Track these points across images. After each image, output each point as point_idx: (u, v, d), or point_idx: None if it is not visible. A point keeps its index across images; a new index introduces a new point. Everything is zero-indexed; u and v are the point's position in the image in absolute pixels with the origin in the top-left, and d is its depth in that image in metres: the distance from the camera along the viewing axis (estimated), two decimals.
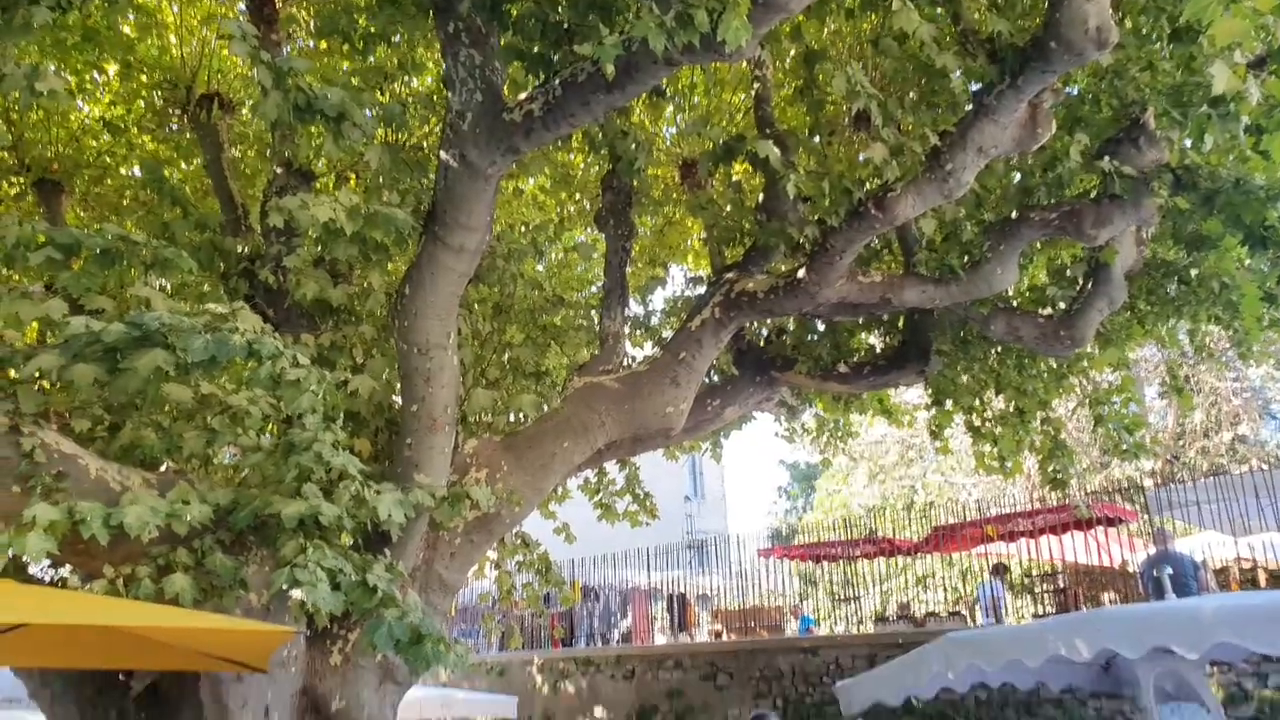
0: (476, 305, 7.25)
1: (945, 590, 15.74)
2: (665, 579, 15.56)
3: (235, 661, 4.80)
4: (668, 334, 8.78)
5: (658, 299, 9.14)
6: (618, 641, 15.13)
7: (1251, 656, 6.91)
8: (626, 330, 7.67)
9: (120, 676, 5.91)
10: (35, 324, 4.59)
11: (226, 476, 5.38)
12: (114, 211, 8.31)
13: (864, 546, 13.45)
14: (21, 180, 7.58)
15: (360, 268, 5.83)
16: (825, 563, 15.09)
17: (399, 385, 6.17)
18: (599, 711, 11.31)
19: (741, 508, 67.94)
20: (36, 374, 4.11)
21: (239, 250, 6.61)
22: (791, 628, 13.84)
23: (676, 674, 10.73)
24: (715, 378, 8.19)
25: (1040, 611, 10.80)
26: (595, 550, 13.88)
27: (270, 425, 5.03)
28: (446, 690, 11.33)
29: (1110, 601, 10.78)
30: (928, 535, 12.94)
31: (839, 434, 9.81)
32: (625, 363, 7.58)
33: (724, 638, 12.67)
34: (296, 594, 4.34)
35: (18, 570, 4.77)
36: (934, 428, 8.78)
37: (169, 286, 4.78)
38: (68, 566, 5.10)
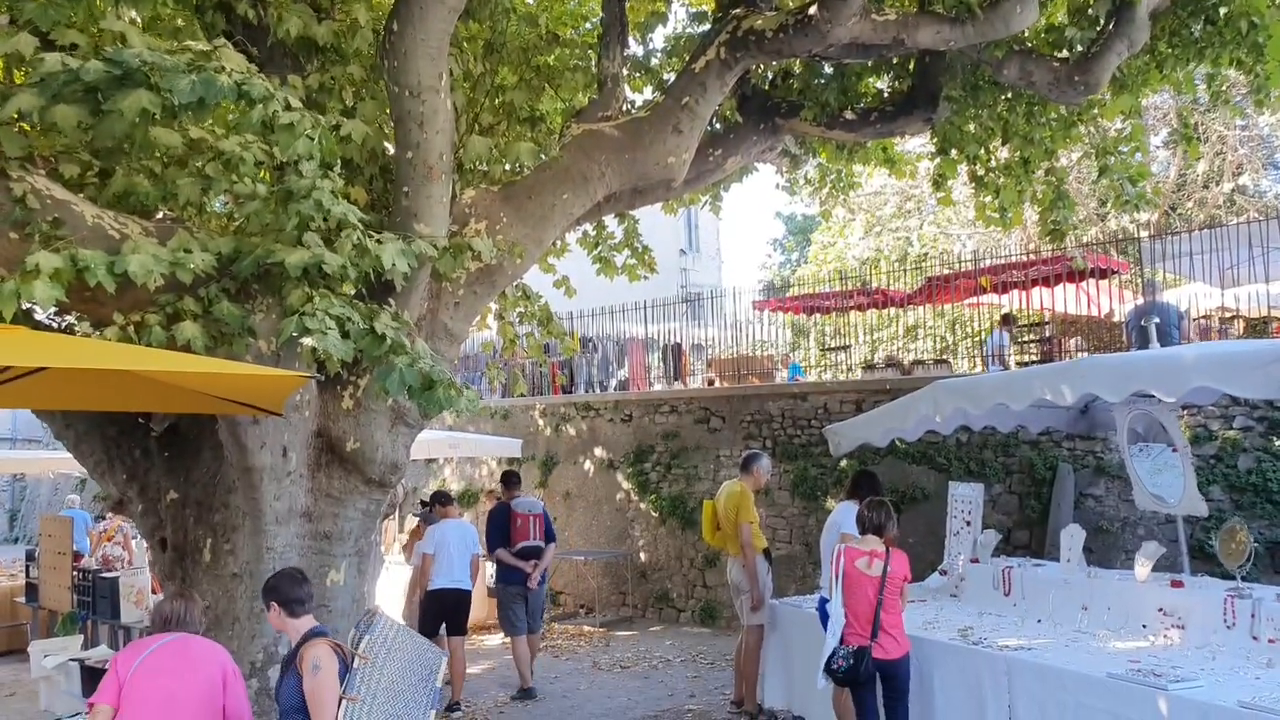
0: (466, 44, 6.86)
1: (934, 340, 16.21)
2: (661, 331, 15.92)
3: (251, 406, 4.96)
4: (669, 77, 8.39)
5: (658, 37, 8.67)
6: (615, 389, 15.73)
7: (1221, 400, 7.22)
8: (625, 72, 7.32)
9: (140, 419, 6.16)
10: (1, 61, 4.32)
11: (222, 225, 5.30)
12: None
13: (857, 298, 13.66)
14: None
15: (344, 2, 5.44)
16: (817, 314, 15.40)
17: (392, 131, 5.97)
18: (599, 451, 11.95)
19: (736, 262, 68.44)
20: (15, 115, 3.91)
21: None
22: (781, 375, 14.34)
23: (672, 418, 11.24)
24: (718, 126, 7.93)
25: (1026, 360, 11.17)
26: (593, 303, 14.08)
27: (264, 173, 4.88)
28: (454, 433, 11.89)
29: (1095, 350, 11.12)
30: (920, 286, 13.11)
31: (840, 185, 9.66)
32: (625, 108, 7.29)
33: (717, 385, 13.16)
34: (307, 341, 4.41)
35: (26, 318, 4.82)
36: (937, 177, 8.64)
37: (140, 21, 4.43)
38: (73, 316, 5.16)
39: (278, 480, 5.58)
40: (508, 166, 7.14)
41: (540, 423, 12.93)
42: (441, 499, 8.09)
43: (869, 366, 13.66)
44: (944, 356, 13.17)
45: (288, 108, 3.98)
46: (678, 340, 16.46)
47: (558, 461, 12.54)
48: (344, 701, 3.17)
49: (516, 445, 11.76)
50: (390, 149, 6.22)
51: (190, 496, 6.01)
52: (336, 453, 5.88)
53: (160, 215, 5.02)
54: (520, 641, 7.70)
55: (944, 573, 6.90)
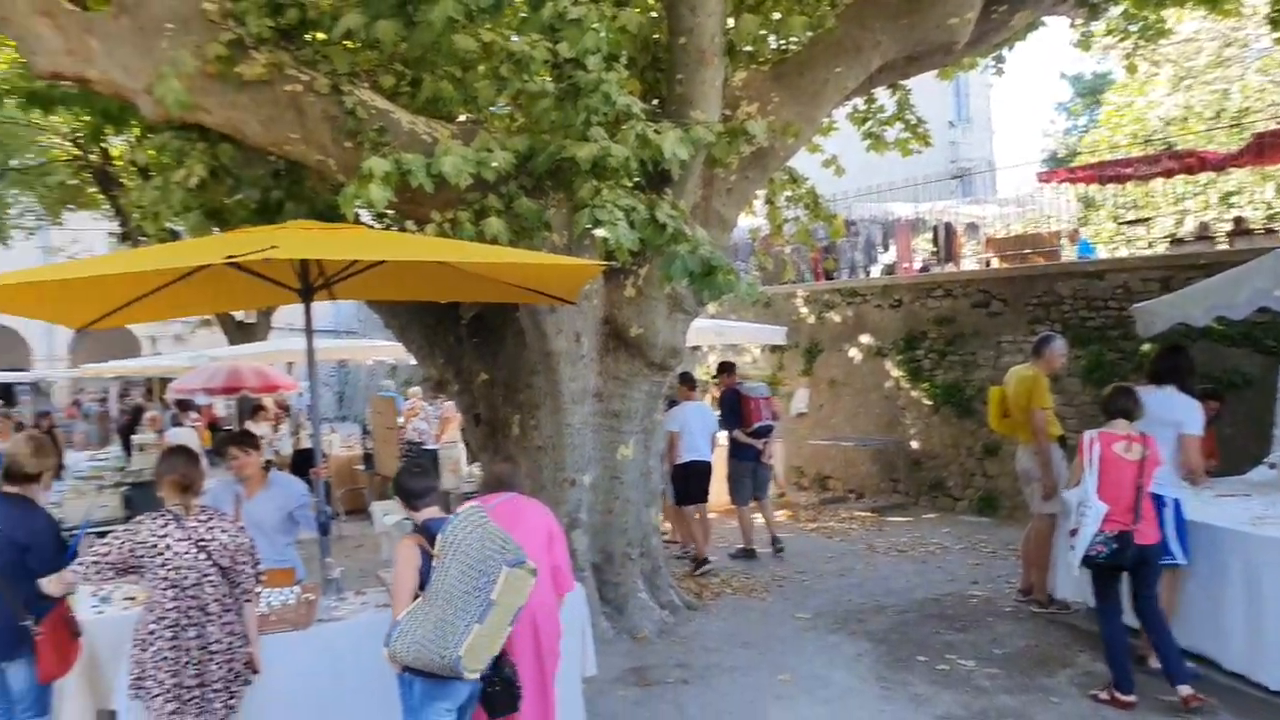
0: None
1: (1262, 207, 14.15)
2: (929, 210, 15.11)
3: (549, 295, 5.34)
4: None
5: None
6: (881, 273, 15.25)
7: None
8: None
9: (453, 309, 6.83)
10: None
11: (507, 126, 5.62)
12: None
13: (1164, 163, 12.14)
14: None
15: None
16: (1111, 184, 13.91)
17: (663, 19, 5.99)
18: (865, 338, 11.73)
19: (1011, 131, 62.78)
20: (344, 34, 4.34)
21: None
22: (1069, 253, 13.22)
23: (946, 302, 10.75)
24: None
25: None
26: (854, 184, 13.62)
27: (547, 70, 5.10)
28: (719, 321, 12.13)
29: None
30: (1245, 145, 11.42)
31: (1147, 33, 8.53)
32: None
33: (995, 265, 12.37)
34: (599, 232, 4.65)
35: (355, 220, 5.45)
36: (1275, 13, 7.40)
37: None
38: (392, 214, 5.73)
39: (572, 363, 6.03)
40: (777, 44, 6.97)
41: (803, 310, 12.85)
42: (687, 380, 8.47)
43: (1175, 240, 12.23)
44: (1274, 225, 11.49)
45: (575, 3, 4.10)
46: (949, 219, 15.57)
47: (822, 349, 12.46)
48: (417, 598, 3.34)
49: (781, 332, 11.79)
50: (660, 38, 6.26)
51: (498, 378, 6.65)
52: (622, 338, 6.24)
53: (462, 118, 5.41)
54: (745, 510, 8.40)
55: (1273, 466, 6.22)
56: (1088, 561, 4.59)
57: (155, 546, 3.58)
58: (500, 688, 3.50)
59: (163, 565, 3.58)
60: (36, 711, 3.85)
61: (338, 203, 5.55)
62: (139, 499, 8.21)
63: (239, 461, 4.58)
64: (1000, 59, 8.96)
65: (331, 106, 4.71)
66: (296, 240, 3.96)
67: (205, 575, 3.63)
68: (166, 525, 3.63)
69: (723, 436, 8.79)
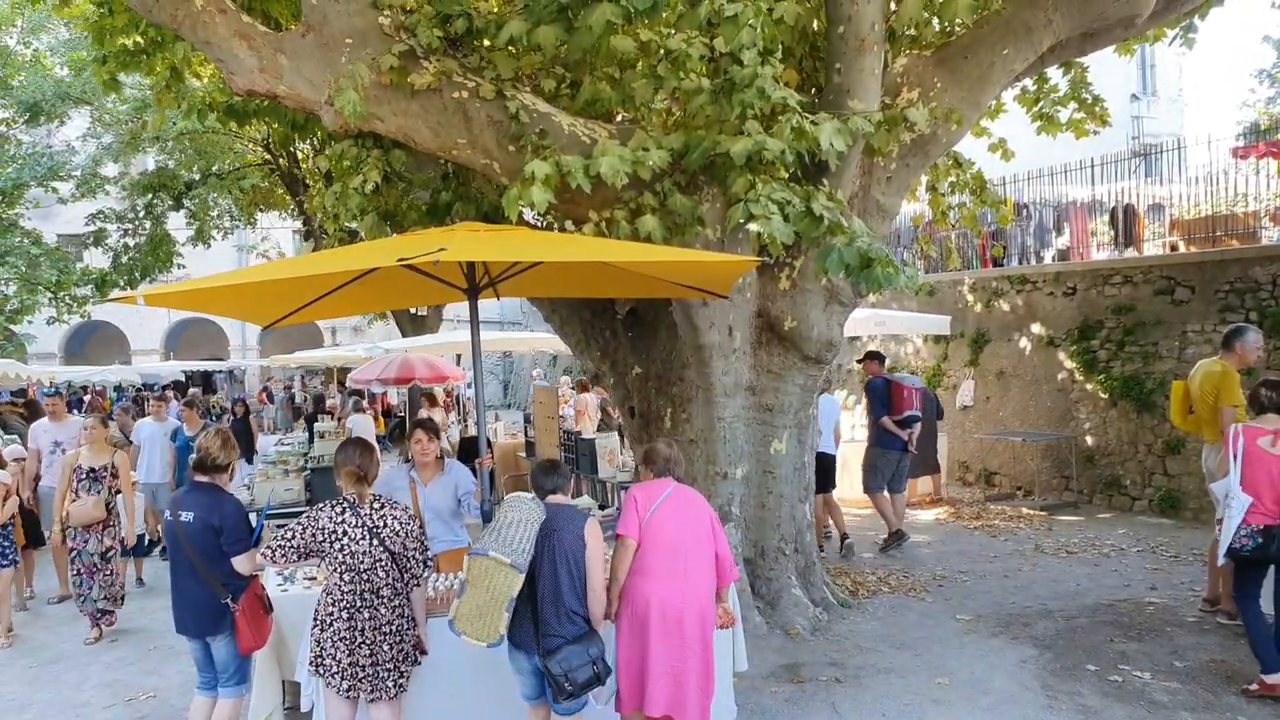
0: None
1: None
2: (1109, 191, 14.14)
3: (702, 290, 5.38)
4: None
5: None
6: (1054, 258, 14.44)
7: None
8: None
9: (608, 304, 6.98)
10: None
11: (663, 121, 5.68)
12: None
13: None
14: None
15: None
16: None
17: (819, 7, 5.89)
18: (1036, 328, 11.14)
19: (1203, 104, 57.84)
20: (508, 40, 4.51)
21: None
22: (1270, 235, 12.09)
23: (1125, 289, 10.06)
24: None
25: None
26: (1026, 165, 12.92)
27: (703, 66, 5.13)
28: (878, 310, 11.83)
29: None
30: None
31: None
32: None
33: (1181, 250, 11.47)
34: (753, 227, 4.64)
35: (518, 219, 5.66)
36: None
37: None
38: (551, 215, 5.92)
39: (725, 356, 6.05)
40: (941, 27, 6.71)
41: (969, 298, 12.34)
42: None
43: None
44: None
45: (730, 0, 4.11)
46: (1129, 201, 14.52)
47: (989, 339, 11.94)
48: None
49: (944, 322, 11.38)
50: (818, 26, 6.16)
51: (651, 371, 6.76)
52: (775, 331, 6.20)
53: (619, 118, 5.51)
54: (880, 496, 8.39)
55: None
56: (1232, 553, 4.70)
57: (334, 533, 3.87)
58: (591, 668, 3.69)
59: (340, 550, 3.86)
60: (238, 680, 4.25)
61: (501, 203, 5.80)
62: (319, 484, 8.85)
63: (422, 446, 4.85)
64: (1190, 29, 8.28)
65: (496, 111, 4.91)
66: (463, 243, 4.16)
67: (378, 560, 3.88)
68: (344, 513, 3.91)
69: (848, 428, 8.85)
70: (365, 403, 15.44)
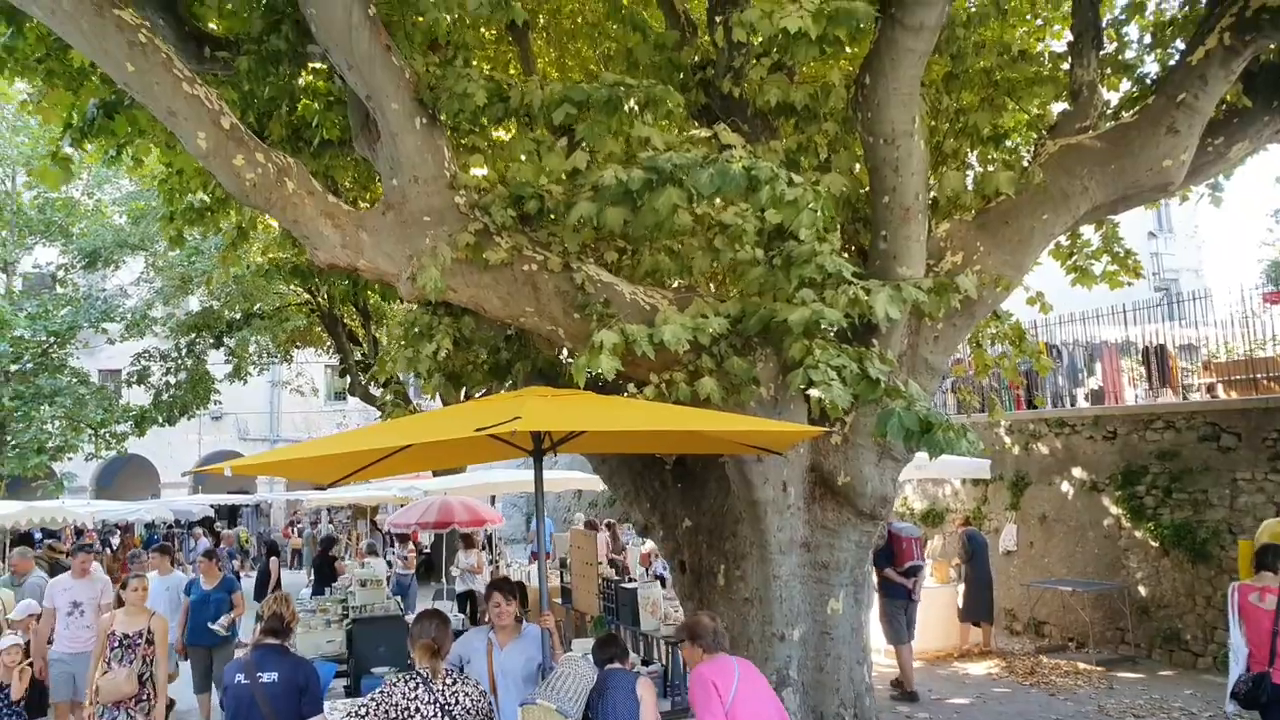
0: (926, 81, 6.87)
1: None
2: (1140, 333, 14.30)
3: (757, 448, 5.47)
4: (1148, 68, 7.62)
5: (1133, 27, 7.87)
6: (1086, 399, 14.46)
7: None
8: (1101, 75, 6.79)
9: (657, 455, 7.07)
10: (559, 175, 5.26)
11: (722, 287, 5.90)
12: (570, 40, 9.05)
13: None
14: (495, 28, 8.45)
15: (816, 66, 5.79)
16: None
17: (866, 179, 6.19)
18: (1078, 471, 11.08)
19: (1219, 240, 58.68)
20: (577, 220, 4.78)
21: (692, 61, 6.89)
22: None
23: (1168, 435, 10.04)
24: (1218, 111, 7.01)
25: None
26: (1055, 306, 13.14)
27: (754, 239, 5.37)
28: (919, 453, 11.82)
29: None
30: None
31: None
32: (1104, 111, 6.78)
33: (1222, 394, 11.48)
34: (814, 393, 4.76)
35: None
36: None
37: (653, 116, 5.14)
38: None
39: (779, 513, 6.06)
40: (970, 185, 7.01)
41: (1006, 440, 12.32)
42: None
43: None
44: None
45: (790, 184, 4.35)
46: (1160, 341, 14.65)
47: (1029, 482, 11.85)
48: None
49: (985, 465, 11.34)
50: (864, 193, 6.45)
51: (702, 524, 6.76)
52: (829, 486, 6.23)
53: (675, 284, 5.74)
54: (905, 649, 8.47)
55: None
56: (1234, 696, 5.31)
57: (407, 709, 3.86)
58: None
59: None
60: None
61: (558, 360, 5.96)
62: (361, 635, 8.76)
63: (500, 609, 4.84)
64: (1217, 188, 8.58)
65: (563, 282, 5.14)
66: (536, 411, 4.31)
67: None
68: (416, 689, 3.91)
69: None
70: (403, 545, 15.38)
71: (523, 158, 5.45)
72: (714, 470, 6.64)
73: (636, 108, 4.93)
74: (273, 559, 13.03)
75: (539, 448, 4.96)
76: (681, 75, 6.90)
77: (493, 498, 13.27)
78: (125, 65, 4.44)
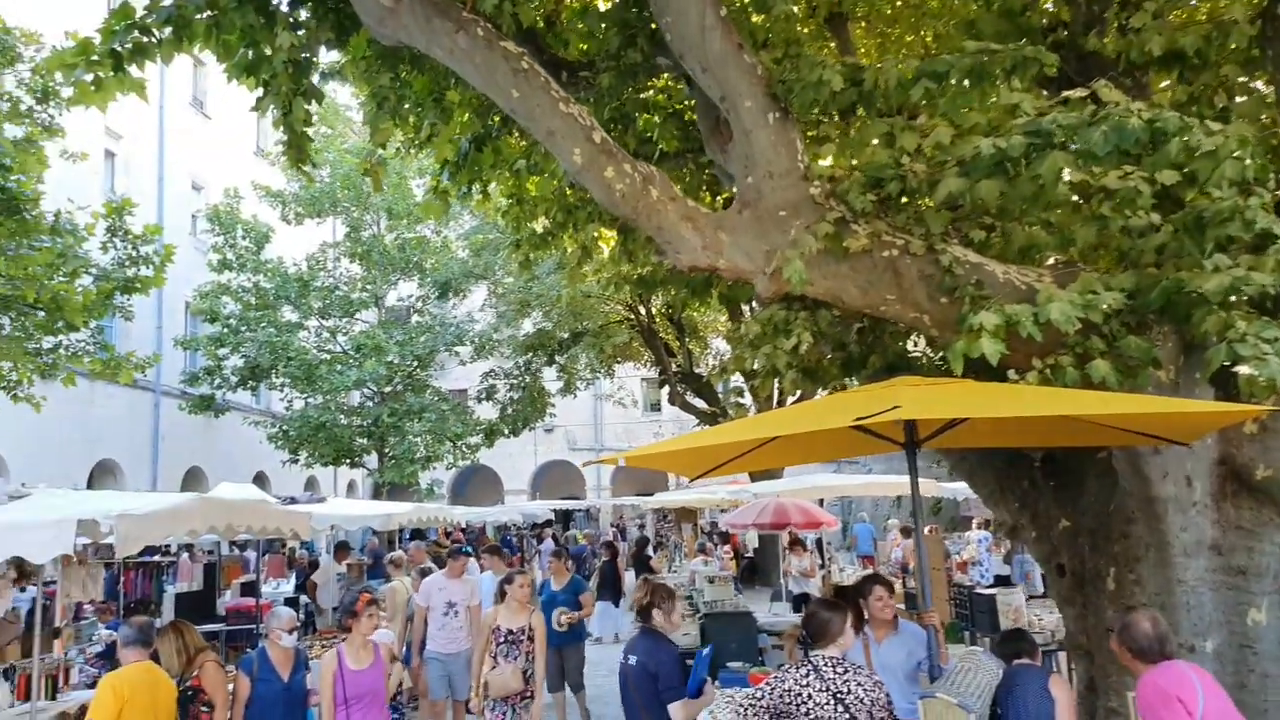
0: None
1: None
2: None
3: (1157, 437, 4.87)
4: None
5: None
6: None
7: None
8: None
9: (1024, 452, 6.56)
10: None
11: (1108, 261, 5.35)
12: (891, 26, 8.75)
13: None
14: (814, 20, 8.34)
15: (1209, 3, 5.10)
16: None
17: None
18: None
19: None
20: (944, 198, 4.54)
21: (1040, 25, 6.40)
22: None
23: None
24: None
25: None
26: None
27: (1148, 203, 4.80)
28: None
29: None
30: None
31: None
32: None
33: None
34: (1243, 369, 4.15)
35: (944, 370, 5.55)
36: None
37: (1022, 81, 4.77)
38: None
39: (1183, 511, 5.37)
40: None
41: None
42: None
43: None
44: None
45: (1209, 133, 3.83)
46: None
47: None
48: None
49: None
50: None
51: (1082, 525, 6.16)
52: (1243, 481, 5.42)
53: (1051, 261, 5.30)
54: None
55: None
56: None
57: (799, 695, 3.83)
58: None
59: (806, 715, 3.81)
60: None
61: (907, 353, 5.72)
62: (714, 630, 8.97)
63: (883, 602, 4.75)
64: None
65: (927, 266, 4.91)
66: (914, 399, 4.13)
67: None
68: (808, 676, 3.87)
69: None
70: (722, 548, 15.73)
71: (874, 142, 5.31)
72: (1092, 466, 6.03)
73: (1002, 75, 4.61)
74: (616, 560, 13.86)
75: (911, 440, 4.77)
76: (1026, 40, 6.41)
77: (821, 501, 13.12)
78: (511, 92, 4.88)
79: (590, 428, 37.52)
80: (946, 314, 4.90)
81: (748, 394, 16.53)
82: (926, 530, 12.27)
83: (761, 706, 3.87)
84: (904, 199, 4.98)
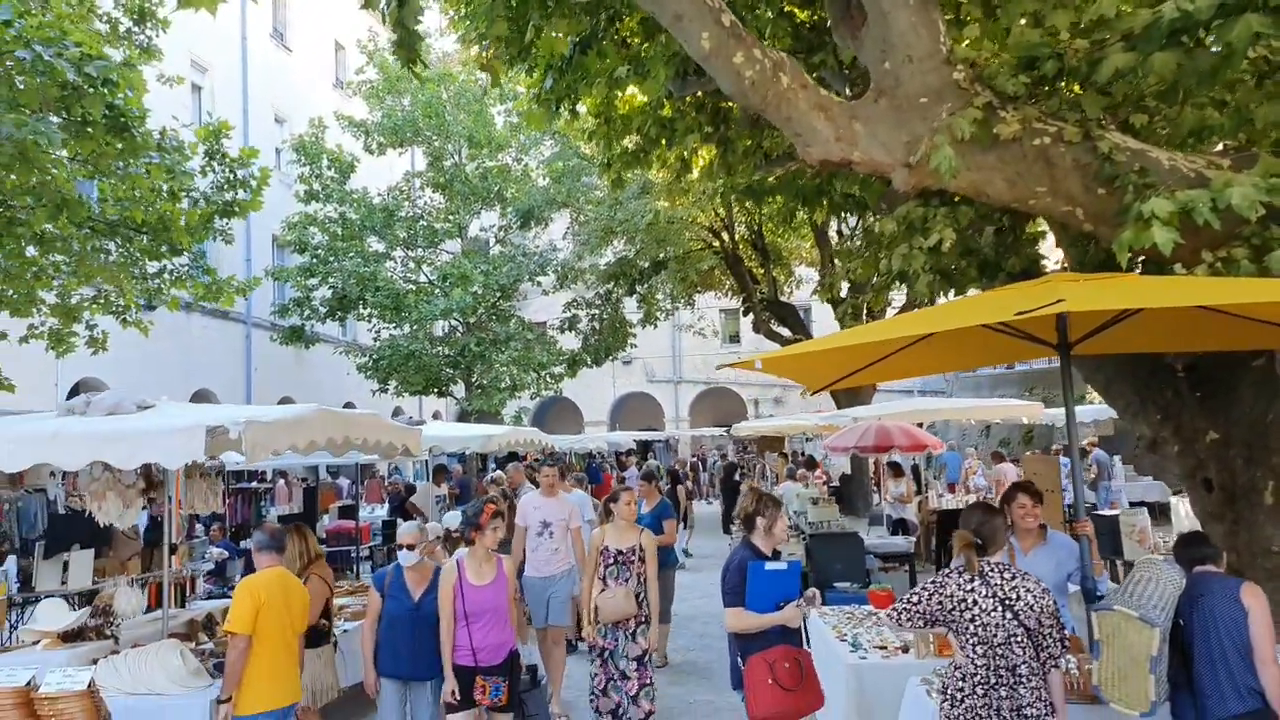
0: None
1: None
2: None
3: None
4: None
5: None
6: None
7: None
8: None
9: (1167, 360, 6.16)
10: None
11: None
12: None
13: None
14: None
15: None
16: None
17: None
18: None
19: None
20: (1110, 75, 4.15)
21: None
22: None
23: None
24: None
25: None
26: None
27: None
28: None
29: None
30: None
31: None
32: None
33: None
34: None
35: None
36: None
37: None
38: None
39: None
40: None
41: None
42: None
43: None
44: None
45: None
46: None
47: None
48: None
49: None
50: None
51: (1235, 436, 5.79)
52: None
53: (1220, 146, 4.87)
54: None
55: None
56: None
57: (964, 601, 3.65)
58: None
59: (971, 621, 3.63)
60: None
61: (1040, 257, 5.37)
62: (819, 551, 8.85)
63: (1026, 510, 4.56)
64: None
65: (1083, 154, 4.54)
66: (1078, 293, 3.82)
67: (1012, 635, 3.59)
68: (972, 581, 3.69)
69: None
70: (815, 473, 15.61)
71: (1022, 21, 4.91)
72: (1244, 375, 5.64)
73: None
74: (678, 487, 13.95)
75: (1064, 341, 4.47)
76: None
77: (920, 425, 12.79)
78: None
79: (669, 359, 37.43)
80: (1104, 206, 4.54)
81: (851, 314, 15.98)
82: (1045, 451, 11.88)
83: (918, 611, 3.71)
84: (1060, 81, 4.58)
